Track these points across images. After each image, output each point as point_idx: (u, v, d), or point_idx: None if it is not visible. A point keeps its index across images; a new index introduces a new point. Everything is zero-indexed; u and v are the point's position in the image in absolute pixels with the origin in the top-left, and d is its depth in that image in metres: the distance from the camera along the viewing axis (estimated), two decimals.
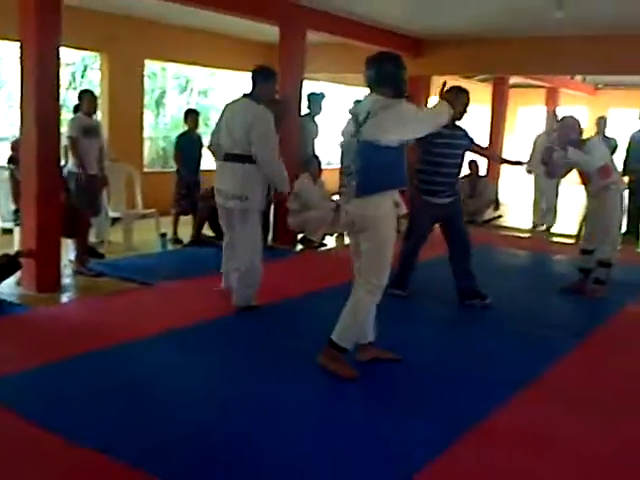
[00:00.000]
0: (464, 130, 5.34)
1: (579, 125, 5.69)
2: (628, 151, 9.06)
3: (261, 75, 5.02)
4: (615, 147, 8.80)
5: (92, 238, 7.04)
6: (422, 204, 5.29)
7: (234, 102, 5.02)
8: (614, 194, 5.64)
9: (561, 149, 5.65)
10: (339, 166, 4.07)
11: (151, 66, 13.97)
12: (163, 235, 7.51)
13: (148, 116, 14.42)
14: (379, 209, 3.63)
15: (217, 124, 5.08)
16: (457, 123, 5.21)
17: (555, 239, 9.25)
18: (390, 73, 3.67)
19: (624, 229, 8.78)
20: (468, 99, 5.13)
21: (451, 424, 3.26)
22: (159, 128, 15.47)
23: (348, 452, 2.97)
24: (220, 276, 5.36)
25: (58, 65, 5.21)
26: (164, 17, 9.08)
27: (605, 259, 5.72)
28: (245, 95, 4.96)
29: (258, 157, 4.72)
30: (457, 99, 5.07)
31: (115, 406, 3.32)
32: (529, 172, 9.23)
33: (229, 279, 5.20)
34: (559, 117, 9.23)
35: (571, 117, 5.81)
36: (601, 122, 9.16)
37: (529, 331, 4.90)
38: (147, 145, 12.75)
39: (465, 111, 5.13)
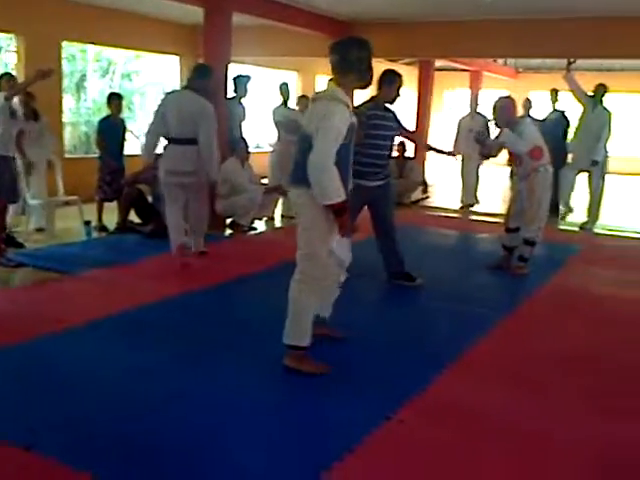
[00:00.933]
0: (393, 113, 5.38)
1: (515, 106, 5.81)
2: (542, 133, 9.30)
3: (200, 72, 5.91)
4: (567, 124, 9.04)
5: (31, 226, 6.81)
6: (352, 187, 5.29)
7: (176, 93, 6.11)
8: (543, 175, 5.79)
9: (498, 128, 5.76)
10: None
11: (70, 48, 13.50)
12: (87, 223, 7.28)
13: (68, 100, 13.93)
14: (304, 200, 3.50)
15: (161, 112, 5.70)
16: (387, 106, 5.26)
17: (479, 218, 9.47)
18: (354, 59, 3.48)
19: None
20: (401, 83, 5.23)
21: (379, 402, 3.29)
22: (80, 113, 14.98)
23: (279, 430, 2.97)
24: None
25: None
26: None
27: (530, 238, 5.89)
28: (186, 87, 5.91)
29: (202, 143, 5.60)
30: (391, 83, 5.16)
31: (38, 400, 3.21)
32: (454, 155, 9.42)
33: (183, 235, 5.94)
34: (479, 100, 9.48)
35: (508, 97, 5.90)
36: (527, 104, 9.43)
37: (456, 309, 5.00)
38: (68, 130, 12.36)
39: (398, 95, 5.23)
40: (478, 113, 9.92)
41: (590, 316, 5.00)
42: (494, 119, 5.84)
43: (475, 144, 9.34)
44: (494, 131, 6.18)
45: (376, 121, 5.17)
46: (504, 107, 5.75)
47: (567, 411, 3.34)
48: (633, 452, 2.96)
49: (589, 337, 4.51)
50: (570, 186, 8.91)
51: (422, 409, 3.28)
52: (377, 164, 5.27)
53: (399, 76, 5.24)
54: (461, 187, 10.32)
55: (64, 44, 9.56)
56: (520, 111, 9.31)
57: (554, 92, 9.28)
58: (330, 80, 3.55)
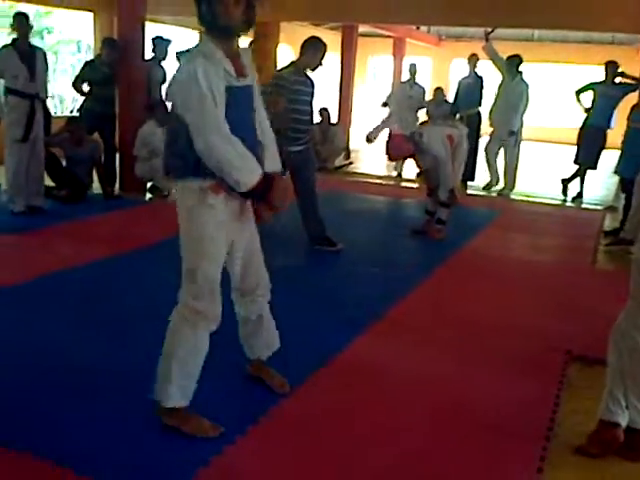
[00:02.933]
0: (311, 79, 5.34)
1: None
2: (457, 96, 9.43)
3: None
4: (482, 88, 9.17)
5: None
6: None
7: None
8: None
9: None
10: None
11: None
12: None
13: None
14: (180, 199, 2.66)
15: None
16: (307, 72, 5.23)
17: (403, 184, 9.61)
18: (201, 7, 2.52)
19: None
20: (325, 51, 5.21)
21: (298, 364, 3.32)
22: None
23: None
24: None
25: None
26: None
27: (444, 200, 6.03)
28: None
29: None
30: (315, 51, 5.11)
31: None
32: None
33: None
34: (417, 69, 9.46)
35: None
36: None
37: (375, 272, 5.09)
38: None
39: (321, 63, 5.22)
40: (416, 83, 9.92)
41: (499, 279, 5.16)
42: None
43: (412, 111, 9.51)
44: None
45: (298, 87, 5.16)
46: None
47: (459, 364, 3.47)
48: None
49: (495, 299, 4.66)
50: (495, 158, 9.08)
51: (336, 371, 3.34)
52: (299, 129, 5.24)
53: (324, 44, 5.23)
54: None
55: None
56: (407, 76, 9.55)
57: (474, 57, 9.28)
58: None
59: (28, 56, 5.88)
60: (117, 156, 7.52)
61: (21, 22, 5.89)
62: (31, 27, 6.01)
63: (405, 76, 10.19)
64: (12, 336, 3.52)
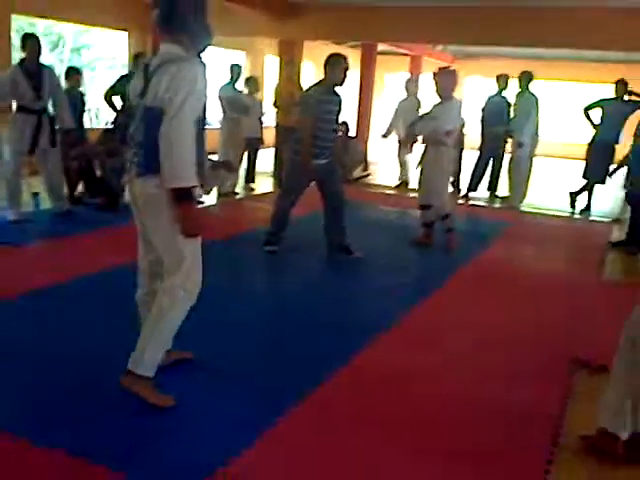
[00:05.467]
0: (339, 96, 5.36)
1: (456, 81, 5.80)
2: (483, 114, 9.39)
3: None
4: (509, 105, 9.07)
5: None
6: (300, 165, 5.30)
7: None
8: (442, 153, 5.86)
9: (440, 98, 5.75)
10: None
11: (19, 22, 12.95)
12: (35, 195, 7.05)
13: None
14: (157, 192, 2.67)
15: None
16: (336, 89, 5.24)
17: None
18: (180, 11, 2.63)
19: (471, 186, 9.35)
20: (347, 65, 5.20)
21: (319, 367, 3.33)
22: None
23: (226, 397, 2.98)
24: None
25: None
26: None
27: (443, 213, 6.04)
28: None
29: None
30: (335, 65, 5.13)
31: None
32: (385, 136, 9.69)
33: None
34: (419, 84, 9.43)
35: (454, 70, 5.88)
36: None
37: (392, 281, 5.08)
38: None
39: (345, 77, 5.21)
40: (417, 98, 9.95)
41: (508, 290, 5.13)
42: (435, 84, 5.77)
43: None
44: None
45: (324, 104, 5.18)
46: (446, 77, 5.73)
47: (469, 371, 3.46)
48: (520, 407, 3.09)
49: (504, 310, 4.64)
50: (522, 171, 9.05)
51: (357, 375, 3.34)
52: (323, 145, 5.27)
53: (344, 58, 5.20)
54: (399, 167, 10.39)
55: (13, 17, 9.14)
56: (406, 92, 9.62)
57: (504, 76, 9.13)
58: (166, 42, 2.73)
59: (35, 75, 5.89)
60: None
61: (32, 44, 5.88)
62: (40, 48, 5.97)
63: (414, 90, 10.14)
64: (51, 332, 3.57)
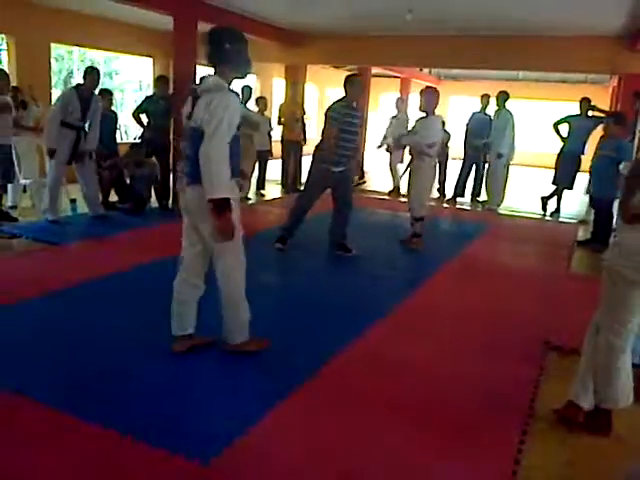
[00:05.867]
0: (359, 112, 5.38)
1: (437, 98, 5.72)
2: (468, 128, 9.38)
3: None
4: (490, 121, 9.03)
5: (8, 203, 6.57)
6: (322, 170, 5.32)
7: None
8: (424, 164, 5.81)
9: (424, 113, 5.73)
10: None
11: (58, 50, 12.96)
12: (73, 201, 7.06)
13: (58, 94, 13.38)
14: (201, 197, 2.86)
15: None
16: (355, 105, 5.28)
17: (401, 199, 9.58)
18: (228, 49, 2.88)
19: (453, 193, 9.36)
20: (362, 84, 5.34)
21: (319, 352, 3.33)
22: None
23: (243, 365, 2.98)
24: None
25: None
26: (68, 5, 8.44)
27: (417, 216, 6.00)
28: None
29: None
30: (353, 85, 5.15)
31: (31, 352, 3.13)
32: (379, 147, 9.85)
33: None
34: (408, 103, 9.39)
35: (435, 89, 5.83)
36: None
37: (385, 274, 5.08)
38: None
39: (361, 93, 5.32)
40: (406, 114, 9.95)
41: (488, 281, 5.13)
42: (419, 102, 5.73)
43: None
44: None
45: (346, 118, 5.19)
46: (430, 95, 5.71)
47: (454, 353, 3.46)
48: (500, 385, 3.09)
49: (485, 297, 4.63)
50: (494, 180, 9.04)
51: (352, 357, 3.34)
52: (343, 154, 5.28)
53: (361, 80, 5.37)
54: (391, 175, 10.39)
55: (53, 46, 9.16)
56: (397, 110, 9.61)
57: (486, 97, 9.24)
58: (212, 73, 2.95)
59: (87, 100, 6.03)
60: (171, 175, 7.61)
61: (92, 75, 6.08)
62: (99, 80, 6.17)
63: (403, 108, 10.13)
64: (93, 322, 3.58)
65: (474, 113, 9.40)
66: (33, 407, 2.58)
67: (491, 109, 9.16)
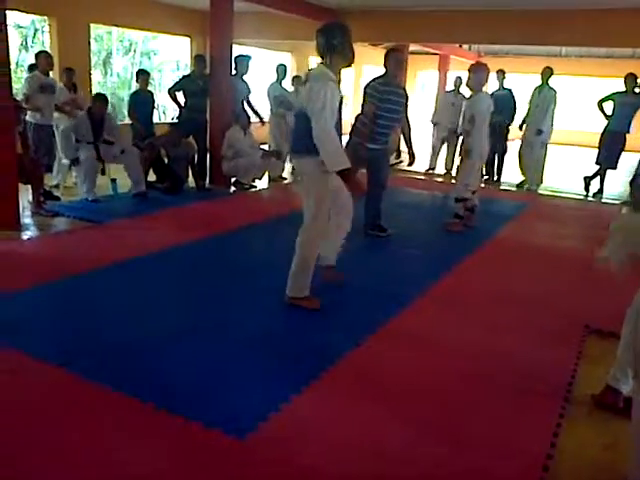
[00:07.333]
0: (403, 90, 5.24)
1: (487, 74, 5.57)
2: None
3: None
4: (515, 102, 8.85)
5: (53, 182, 6.73)
6: (354, 145, 5.20)
7: None
8: (472, 141, 5.63)
9: (472, 90, 5.58)
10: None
11: (97, 30, 13.12)
12: (113, 180, 7.18)
13: (97, 75, 13.62)
14: (307, 168, 3.42)
15: None
16: (399, 83, 5.15)
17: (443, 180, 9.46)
18: (337, 42, 3.35)
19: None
20: (402, 60, 5.21)
21: (360, 328, 3.35)
22: (107, 86, 14.66)
23: (271, 351, 3.01)
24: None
25: (5, 26, 4.79)
26: None
27: (458, 196, 5.86)
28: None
29: None
30: (395, 61, 5.06)
31: (71, 327, 3.23)
32: (435, 124, 9.88)
33: None
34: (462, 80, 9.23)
35: (485, 65, 5.63)
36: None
37: (421, 254, 5.04)
38: None
39: (402, 69, 5.23)
40: (460, 93, 9.72)
41: (527, 262, 5.04)
42: (468, 79, 5.58)
43: (453, 115, 9.27)
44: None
45: (385, 95, 5.07)
46: (480, 72, 5.52)
47: (492, 333, 3.41)
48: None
49: (524, 279, 4.55)
50: (527, 158, 8.79)
51: (391, 334, 3.34)
52: (380, 131, 5.17)
53: (402, 54, 5.27)
54: (430, 153, 10.26)
55: (92, 26, 9.28)
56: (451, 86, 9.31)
57: (502, 73, 9.00)
58: (320, 62, 3.41)
59: (98, 121, 6.25)
60: (208, 155, 7.67)
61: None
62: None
63: (449, 87, 9.98)
64: (140, 297, 3.67)
65: (495, 92, 9.13)
66: (74, 381, 2.66)
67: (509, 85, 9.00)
